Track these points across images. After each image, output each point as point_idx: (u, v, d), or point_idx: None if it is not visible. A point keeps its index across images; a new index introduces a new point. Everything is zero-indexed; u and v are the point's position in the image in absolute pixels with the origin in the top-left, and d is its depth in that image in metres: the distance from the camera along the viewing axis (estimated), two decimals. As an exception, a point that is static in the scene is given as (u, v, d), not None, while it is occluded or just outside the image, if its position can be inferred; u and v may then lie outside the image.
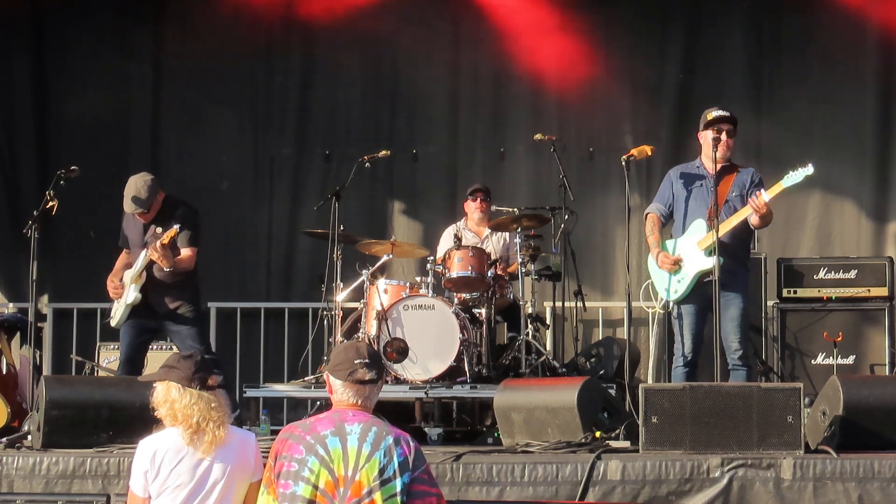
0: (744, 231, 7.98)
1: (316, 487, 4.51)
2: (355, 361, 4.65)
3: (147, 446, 5.03)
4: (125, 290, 8.43)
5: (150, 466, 4.99)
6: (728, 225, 7.79)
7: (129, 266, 8.55)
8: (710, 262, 7.65)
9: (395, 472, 4.52)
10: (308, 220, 10.36)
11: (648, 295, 8.12)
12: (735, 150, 8.13)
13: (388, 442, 4.56)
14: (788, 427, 6.63)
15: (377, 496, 4.49)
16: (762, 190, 7.79)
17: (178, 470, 4.96)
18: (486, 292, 9.12)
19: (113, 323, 8.58)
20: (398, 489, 4.51)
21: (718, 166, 7.86)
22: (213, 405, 4.98)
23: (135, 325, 8.50)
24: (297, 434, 4.60)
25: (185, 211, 8.54)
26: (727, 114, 7.97)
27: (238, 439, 5.04)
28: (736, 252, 7.94)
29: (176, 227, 8.22)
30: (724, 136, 7.88)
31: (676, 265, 7.86)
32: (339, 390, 4.67)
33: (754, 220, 7.81)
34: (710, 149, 7.90)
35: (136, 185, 8.38)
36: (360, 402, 4.65)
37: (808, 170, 7.69)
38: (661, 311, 8.04)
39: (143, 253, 8.32)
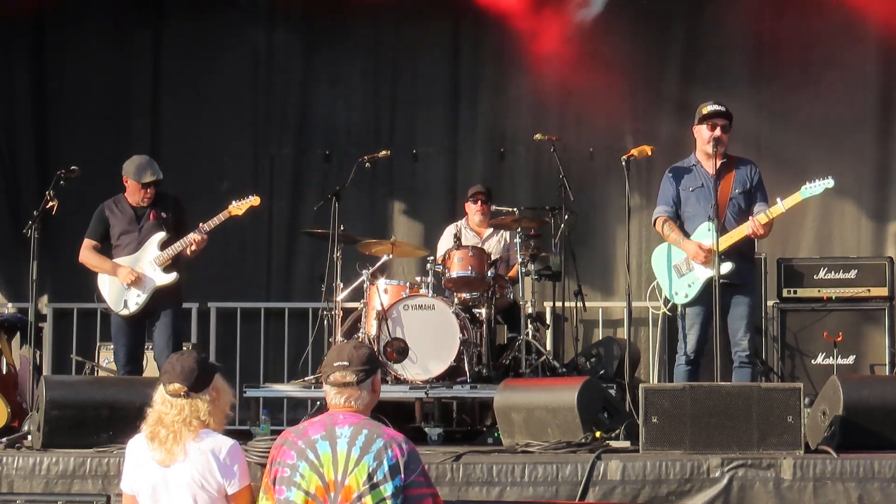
0: None
1: (307, 493, 4.50)
2: (334, 364, 4.66)
3: (131, 445, 5.01)
4: (146, 275, 8.44)
5: (130, 464, 4.97)
6: (730, 240, 7.75)
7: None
8: (724, 269, 7.63)
9: (384, 475, 4.48)
10: (308, 220, 10.36)
11: (654, 295, 8.07)
12: (733, 142, 8.09)
13: (379, 445, 4.52)
14: (788, 427, 6.62)
15: (367, 500, 4.47)
16: (779, 201, 7.72)
17: (142, 475, 4.91)
18: (487, 292, 9.12)
19: (128, 311, 8.46)
20: (388, 493, 4.48)
21: (718, 163, 7.84)
22: (174, 413, 4.85)
23: (137, 320, 8.53)
24: (290, 439, 4.60)
25: (177, 199, 8.73)
26: (723, 108, 7.89)
27: (205, 450, 4.85)
28: (744, 252, 7.93)
29: (254, 197, 8.59)
30: (718, 132, 7.84)
31: (709, 255, 7.80)
32: (327, 392, 4.70)
33: (757, 234, 7.79)
34: (704, 144, 7.88)
35: (147, 159, 8.67)
36: (344, 403, 4.64)
37: (829, 182, 7.65)
38: (669, 314, 7.98)
39: (194, 234, 8.42)
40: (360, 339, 8.93)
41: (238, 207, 8.65)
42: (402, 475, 4.51)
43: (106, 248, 8.63)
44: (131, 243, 8.53)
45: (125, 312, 8.49)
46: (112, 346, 9.90)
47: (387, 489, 4.48)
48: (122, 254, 8.54)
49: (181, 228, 8.58)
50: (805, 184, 7.71)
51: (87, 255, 8.64)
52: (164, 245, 8.50)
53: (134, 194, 8.58)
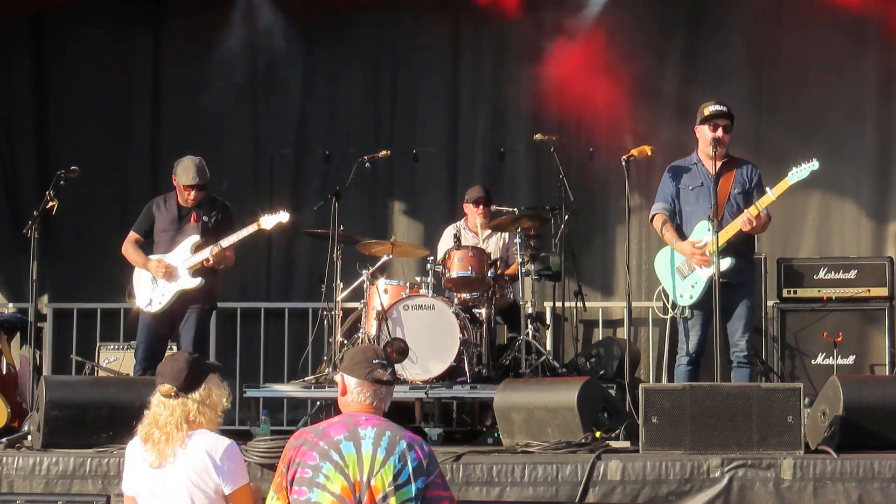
0: None
1: (332, 493, 4.49)
2: (374, 361, 4.65)
3: (129, 447, 5.02)
4: (175, 274, 8.48)
5: (128, 466, 4.98)
6: (725, 235, 7.73)
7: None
8: (723, 265, 7.62)
9: (409, 476, 4.51)
10: (308, 220, 10.36)
11: (660, 299, 8.06)
12: (733, 142, 8.09)
13: (402, 446, 4.54)
14: (788, 427, 6.62)
15: (392, 501, 4.48)
16: (768, 190, 7.72)
17: (140, 477, 4.92)
18: (486, 292, 9.12)
19: (151, 310, 8.54)
20: (412, 494, 4.50)
21: (718, 164, 7.83)
22: (167, 414, 4.87)
23: (161, 320, 8.55)
24: (310, 440, 4.58)
25: (226, 206, 8.77)
26: (724, 108, 7.89)
27: (200, 450, 4.86)
28: (743, 251, 7.92)
29: (284, 213, 8.61)
30: (720, 133, 7.83)
31: (704, 253, 7.78)
32: (355, 390, 4.66)
33: (746, 228, 7.79)
34: (706, 145, 7.87)
35: (196, 161, 8.59)
36: (374, 404, 4.64)
37: (814, 165, 7.66)
38: (679, 318, 7.95)
39: (209, 248, 8.43)
40: (360, 340, 8.94)
41: (268, 222, 8.66)
42: (425, 476, 4.54)
43: (148, 244, 8.72)
44: (167, 241, 8.61)
45: (149, 310, 8.57)
46: (112, 346, 9.98)
47: (411, 490, 4.51)
48: (157, 251, 8.64)
49: (222, 236, 8.61)
50: (791, 169, 7.72)
51: (128, 247, 8.74)
52: (197, 249, 8.54)
53: (180, 194, 8.65)
